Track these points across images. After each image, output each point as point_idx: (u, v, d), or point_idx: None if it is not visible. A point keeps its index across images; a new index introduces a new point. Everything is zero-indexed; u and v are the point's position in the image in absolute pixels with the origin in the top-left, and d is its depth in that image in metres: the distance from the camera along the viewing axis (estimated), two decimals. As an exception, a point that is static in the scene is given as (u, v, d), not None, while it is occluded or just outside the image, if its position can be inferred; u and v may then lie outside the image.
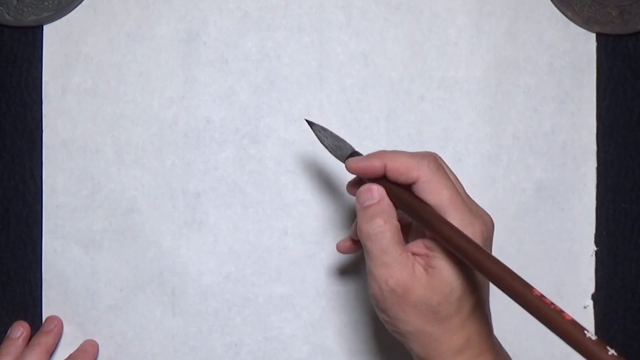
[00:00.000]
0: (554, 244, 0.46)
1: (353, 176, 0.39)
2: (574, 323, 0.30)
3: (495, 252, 0.45)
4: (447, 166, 0.37)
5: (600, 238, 0.46)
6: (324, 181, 0.45)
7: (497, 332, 0.45)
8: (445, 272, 0.34)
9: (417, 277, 0.34)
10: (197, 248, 0.45)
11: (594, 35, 0.46)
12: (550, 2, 0.46)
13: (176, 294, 0.45)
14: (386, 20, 0.45)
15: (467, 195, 0.37)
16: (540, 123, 0.46)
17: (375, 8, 0.45)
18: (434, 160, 0.36)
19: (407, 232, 0.39)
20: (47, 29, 0.45)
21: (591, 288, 0.46)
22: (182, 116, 0.45)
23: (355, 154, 0.38)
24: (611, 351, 0.28)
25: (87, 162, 0.45)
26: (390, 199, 0.36)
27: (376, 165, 0.36)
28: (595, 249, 0.46)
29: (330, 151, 0.39)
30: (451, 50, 0.45)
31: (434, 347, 0.36)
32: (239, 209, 0.45)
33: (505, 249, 0.45)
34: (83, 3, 0.45)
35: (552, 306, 0.31)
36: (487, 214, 0.37)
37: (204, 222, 0.45)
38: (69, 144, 0.45)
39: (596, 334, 0.45)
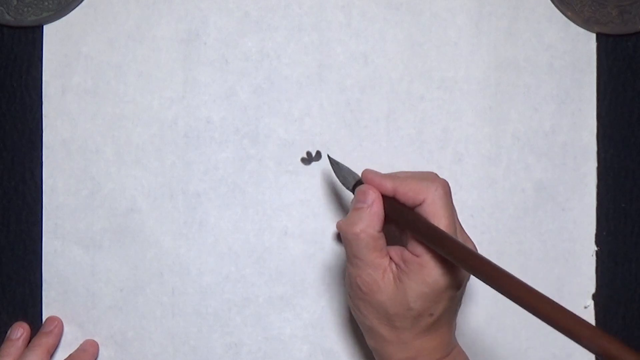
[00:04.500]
0: (554, 244, 0.46)
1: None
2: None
3: (495, 253, 0.46)
4: (450, 195, 0.38)
5: (600, 238, 0.46)
6: (324, 182, 0.45)
7: (497, 332, 0.45)
8: (409, 291, 0.36)
9: (385, 283, 0.36)
10: (197, 248, 0.45)
11: (594, 35, 0.46)
12: (550, 2, 0.46)
13: (176, 294, 0.45)
14: (386, 20, 0.45)
15: (460, 224, 0.39)
16: (540, 123, 0.46)
17: (375, 8, 0.45)
18: (442, 187, 0.37)
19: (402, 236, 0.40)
20: (47, 29, 0.45)
21: (591, 288, 0.46)
22: (182, 116, 0.45)
23: (359, 182, 0.40)
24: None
25: (87, 162, 0.45)
26: (389, 213, 0.37)
27: (388, 186, 0.37)
28: (596, 248, 0.46)
29: (341, 182, 0.42)
30: (451, 50, 0.45)
31: (384, 347, 0.38)
32: (239, 209, 0.45)
33: (505, 249, 0.45)
34: (83, 3, 0.45)
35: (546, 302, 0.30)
36: (473, 244, 0.39)
37: (204, 222, 0.45)
38: (69, 144, 0.45)
39: (596, 334, 0.45)
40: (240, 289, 0.45)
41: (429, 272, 0.35)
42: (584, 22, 0.46)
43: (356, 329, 0.45)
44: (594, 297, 0.45)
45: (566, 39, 0.46)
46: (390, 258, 0.37)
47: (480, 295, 0.45)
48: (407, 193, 0.37)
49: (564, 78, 0.46)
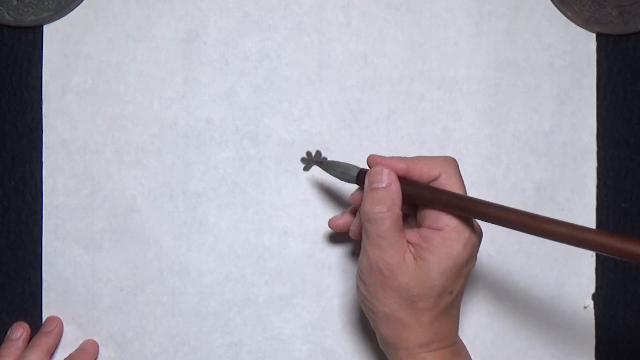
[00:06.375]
0: (554, 244, 0.45)
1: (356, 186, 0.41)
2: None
3: (495, 253, 0.46)
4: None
5: (600, 238, 0.46)
6: (324, 181, 0.45)
7: (497, 332, 0.45)
8: (434, 266, 0.36)
9: (406, 264, 0.36)
10: (197, 248, 0.45)
11: (594, 35, 0.46)
12: (550, 2, 0.46)
13: (176, 294, 0.45)
14: (386, 20, 0.45)
15: None
16: (540, 123, 0.46)
17: (375, 8, 0.45)
18: (454, 162, 0.38)
19: (408, 218, 0.40)
20: (47, 29, 0.45)
21: (591, 288, 0.46)
22: (182, 116, 0.45)
23: (362, 171, 0.39)
24: None
25: (87, 162, 0.45)
26: (403, 190, 0.37)
27: (400, 166, 0.37)
28: (596, 249, 0.46)
29: (339, 178, 0.41)
30: (451, 50, 0.45)
31: (401, 333, 0.37)
32: (239, 209, 0.45)
33: (505, 249, 0.45)
34: (83, 3, 0.45)
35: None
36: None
37: (204, 222, 0.45)
38: (69, 144, 0.45)
39: (596, 334, 0.45)
40: (240, 289, 0.45)
41: (452, 244, 0.35)
42: (584, 22, 0.46)
43: (356, 328, 0.45)
44: (594, 297, 0.45)
45: (566, 39, 0.46)
46: (407, 241, 0.37)
47: (480, 296, 0.45)
48: (422, 169, 0.37)
49: (564, 78, 0.46)
